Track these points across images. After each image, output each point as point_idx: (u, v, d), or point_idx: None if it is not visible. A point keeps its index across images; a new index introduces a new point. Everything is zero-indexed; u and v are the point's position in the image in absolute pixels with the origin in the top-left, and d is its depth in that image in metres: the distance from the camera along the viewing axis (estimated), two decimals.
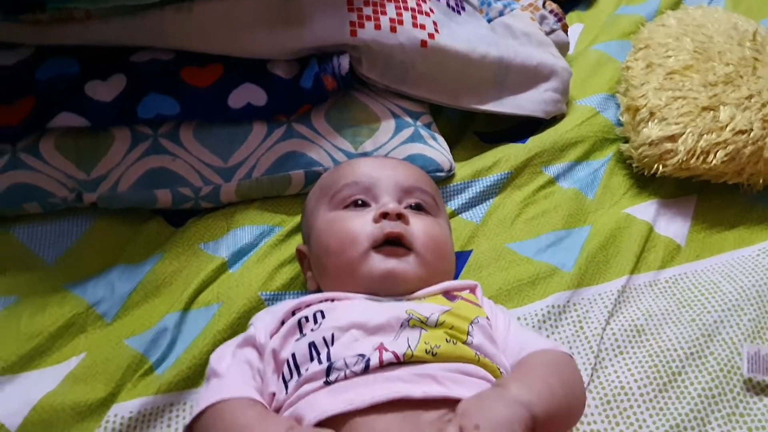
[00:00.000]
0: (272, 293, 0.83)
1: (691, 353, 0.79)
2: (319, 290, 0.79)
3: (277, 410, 0.62)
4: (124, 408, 0.71)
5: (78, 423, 0.71)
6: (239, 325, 0.78)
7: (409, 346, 0.61)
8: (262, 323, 0.69)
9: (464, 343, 0.64)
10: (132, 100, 0.89)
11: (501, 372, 0.64)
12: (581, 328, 0.82)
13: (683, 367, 0.78)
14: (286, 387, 0.62)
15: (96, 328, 0.81)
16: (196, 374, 0.74)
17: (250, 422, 0.58)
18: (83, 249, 0.89)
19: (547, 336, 0.81)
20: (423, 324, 0.64)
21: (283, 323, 0.69)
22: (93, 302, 0.83)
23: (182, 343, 0.78)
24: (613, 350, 0.80)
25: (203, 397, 0.64)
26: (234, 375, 0.66)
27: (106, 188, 0.89)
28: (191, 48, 0.91)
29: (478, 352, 0.63)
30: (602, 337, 0.81)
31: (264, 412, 0.61)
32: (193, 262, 0.87)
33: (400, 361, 0.60)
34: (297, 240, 0.89)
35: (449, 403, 0.57)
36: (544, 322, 0.82)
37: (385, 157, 0.93)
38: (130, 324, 0.81)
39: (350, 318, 0.65)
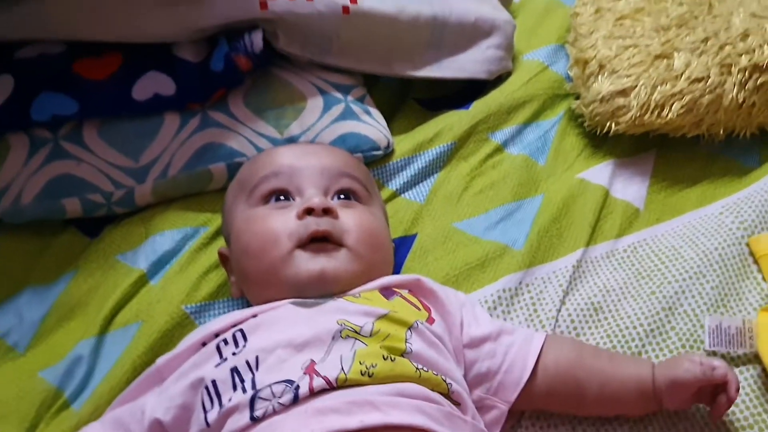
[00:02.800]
0: (197, 305, 0.76)
1: (651, 330, 0.74)
2: (243, 297, 0.73)
3: None
4: None
5: None
6: (161, 345, 0.72)
7: (342, 369, 0.55)
8: (168, 360, 0.63)
9: (402, 354, 0.58)
10: (23, 101, 0.80)
11: (446, 382, 0.58)
12: (535, 311, 0.77)
13: (643, 345, 0.73)
14: (206, 417, 0.56)
15: (7, 360, 0.75)
16: None
17: None
18: None
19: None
20: (356, 334, 0.59)
21: (204, 344, 0.62)
22: (2, 333, 0.76)
23: (100, 371, 0.72)
24: (570, 332, 0.75)
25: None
26: None
27: (8, 202, 0.81)
28: (82, 37, 0.81)
29: (418, 366, 0.58)
30: (557, 320, 0.76)
31: None
32: (110, 277, 0.80)
33: (333, 387, 0.54)
34: (224, 241, 0.81)
35: (387, 430, 0.52)
36: (495, 308, 0.76)
37: (306, 143, 0.86)
38: (44, 354, 0.75)
39: (275, 336, 0.59)
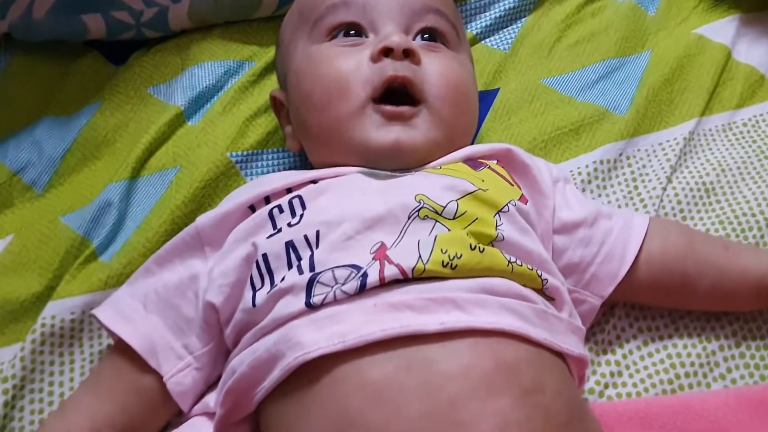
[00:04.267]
0: (244, 153, 0.68)
1: None
2: (302, 152, 0.64)
3: (244, 331, 0.49)
4: (64, 307, 0.59)
5: (9, 324, 0.60)
6: (204, 196, 0.65)
7: (420, 257, 0.46)
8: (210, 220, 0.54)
9: (492, 243, 0.50)
10: None
11: (541, 277, 0.50)
12: (635, 188, 0.68)
13: (762, 236, 0.65)
14: (254, 298, 0.49)
15: (25, 201, 0.68)
16: None
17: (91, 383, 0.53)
18: None
19: (593, 199, 0.67)
20: (437, 215, 0.49)
21: (253, 210, 0.53)
22: (17, 168, 0.69)
23: (132, 220, 0.65)
24: (675, 216, 0.67)
25: (118, 297, 0.55)
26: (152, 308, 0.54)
27: (17, 14, 0.71)
28: None
29: (510, 258, 0.49)
30: (662, 200, 0.68)
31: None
32: (140, 113, 0.72)
33: (407, 277, 0.46)
34: (273, 80, 0.73)
35: (471, 335, 0.44)
36: (590, 182, 0.68)
37: None
38: (67, 196, 0.68)
39: (340, 207, 0.50)
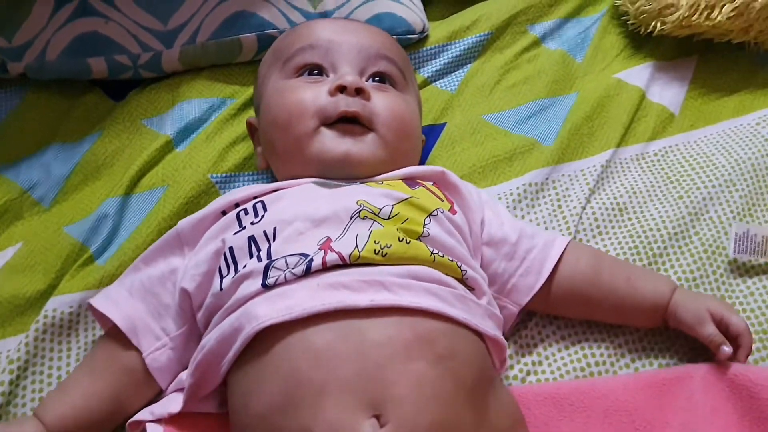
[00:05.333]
0: (223, 175, 0.76)
1: (675, 233, 0.74)
2: (269, 169, 0.72)
3: (213, 313, 0.57)
4: (63, 302, 0.66)
5: (16, 317, 0.67)
6: (187, 211, 0.72)
7: (357, 246, 0.55)
8: (189, 223, 0.63)
9: (419, 238, 0.58)
10: None
11: (461, 268, 0.58)
12: (559, 207, 0.76)
13: (665, 248, 0.73)
14: (221, 283, 0.57)
15: (33, 214, 0.75)
16: None
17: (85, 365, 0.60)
18: (14, 126, 0.81)
19: (522, 217, 0.75)
20: (375, 216, 0.58)
21: (224, 213, 0.62)
22: (28, 186, 0.76)
23: (125, 230, 0.72)
24: (592, 231, 0.75)
25: (112, 290, 0.62)
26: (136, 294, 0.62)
27: (32, 57, 0.80)
28: None
29: (433, 250, 0.57)
30: (581, 217, 0.75)
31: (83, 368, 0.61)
32: (135, 141, 0.79)
33: (345, 263, 0.54)
34: (251, 114, 0.81)
35: (396, 312, 0.52)
36: (520, 201, 0.76)
37: (348, 19, 0.82)
38: (69, 210, 0.75)
39: (294, 209, 0.58)
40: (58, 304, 0.66)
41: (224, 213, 0.62)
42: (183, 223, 0.63)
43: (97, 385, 0.59)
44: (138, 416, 0.57)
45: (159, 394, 0.61)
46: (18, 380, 0.63)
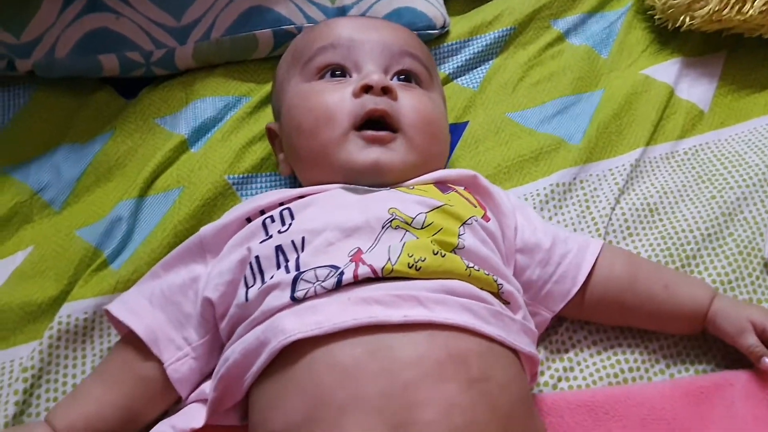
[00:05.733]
0: (240, 176, 0.73)
1: (708, 234, 0.72)
2: (293, 176, 0.70)
3: (237, 324, 0.54)
4: (77, 308, 0.64)
5: (28, 324, 0.65)
6: (203, 213, 0.70)
7: (389, 259, 0.52)
8: (212, 230, 0.60)
9: (454, 250, 0.55)
10: None
11: (497, 282, 0.56)
12: (587, 208, 0.74)
13: (698, 250, 0.71)
14: (247, 293, 0.54)
15: (43, 217, 0.73)
16: None
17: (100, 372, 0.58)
18: (22, 126, 0.79)
19: (550, 219, 0.73)
20: (407, 225, 0.55)
21: (249, 221, 0.60)
22: (38, 188, 0.74)
23: (139, 234, 0.70)
24: (622, 232, 0.73)
25: (130, 296, 0.60)
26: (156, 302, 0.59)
27: (41, 54, 0.77)
28: None
29: (468, 263, 0.55)
30: (611, 218, 0.73)
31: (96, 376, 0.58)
32: (148, 140, 0.77)
33: (378, 277, 0.52)
34: (267, 113, 0.78)
35: (429, 327, 0.49)
36: (547, 202, 0.74)
37: (367, 16, 0.80)
38: (81, 212, 0.73)
39: (324, 218, 0.56)
40: (72, 310, 0.64)
41: (249, 220, 0.60)
42: (206, 229, 0.61)
43: (112, 393, 0.57)
44: (158, 429, 0.55)
45: (175, 404, 0.59)
46: (32, 388, 0.61)
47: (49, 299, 0.66)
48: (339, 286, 0.51)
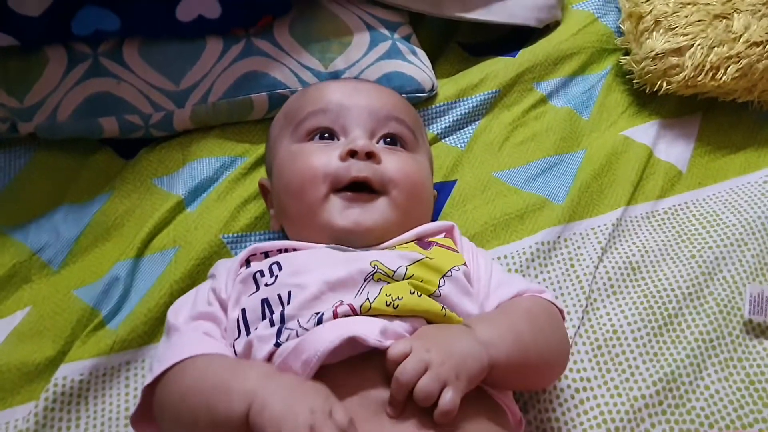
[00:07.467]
0: (235, 235, 0.75)
1: (689, 293, 0.74)
2: (282, 231, 0.72)
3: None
4: (74, 369, 0.66)
5: (25, 385, 0.66)
6: (198, 272, 0.71)
7: (368, 299, 0.55)
8: (225, 269, 0.63)
9: (430, 295, 0.58)
10: (64, 13, 0.78)
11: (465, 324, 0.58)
12: (572, 266, 0.76)
13: (680, 308, 0.73)
14: (234, 346, 0.57)
15: (42, 277, 0.75)
16: (153, 329, 0.69)
17: (222, 376, 0.52)
18: (22, 186, 0.81)
19: (535, 276, 0.75)
20: (389, 278, 0.58)
21: (248, 264, 0.63)
22: (36, 248, 0.76)
23: (136, 293, 0.71)
24: (606, 290, 0.75)
25: (164, 354, 0.57)
26: (194, 334, 0.59)
27: (43, 117, 0.80)
28: None
29: (444, 305, 0.57)
30: (594, 277, 0.75)
31: (234, 361, 0.56)
32: (146, 201, 0.79)
33: (356, 313, 0.54)
34: (262, 172, 0.81)
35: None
36: (533, 260, 0.76)
37: (358, 80, 0.83)
38: (79, 272, 0.74)
39: (309, 272, 0.58)
40: (69, 372, 0.65)
41: (248, 262, 0.63)
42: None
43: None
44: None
45: None
46: None
47: (46, 360, 0.67)
48: (320, 324, 0.54)
